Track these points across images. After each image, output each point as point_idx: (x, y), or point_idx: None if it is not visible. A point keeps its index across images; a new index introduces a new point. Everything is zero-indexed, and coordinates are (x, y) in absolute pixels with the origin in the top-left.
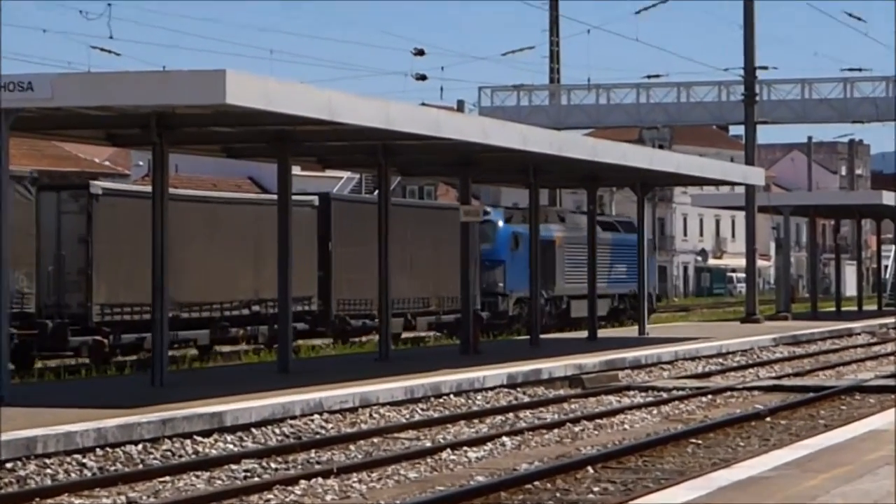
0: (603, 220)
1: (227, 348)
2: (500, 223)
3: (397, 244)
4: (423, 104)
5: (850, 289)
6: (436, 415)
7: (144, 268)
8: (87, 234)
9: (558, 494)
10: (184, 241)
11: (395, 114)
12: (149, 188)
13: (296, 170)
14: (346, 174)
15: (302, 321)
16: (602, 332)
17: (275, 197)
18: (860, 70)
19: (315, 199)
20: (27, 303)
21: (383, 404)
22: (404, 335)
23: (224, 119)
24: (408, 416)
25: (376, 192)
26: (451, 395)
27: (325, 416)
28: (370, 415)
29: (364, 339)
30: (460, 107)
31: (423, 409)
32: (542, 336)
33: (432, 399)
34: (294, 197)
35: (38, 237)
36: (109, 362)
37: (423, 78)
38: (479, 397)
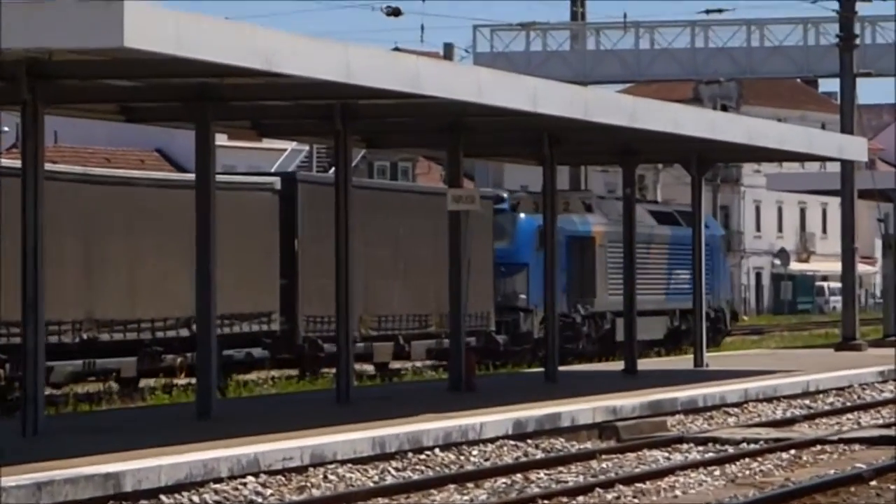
0: (658, 210)
1: (147, 381)
2: (522, 214)
3: (386, 243)
4: (397, 49)
5: None
6: (415, 476)
7: (56, 271)
8: None
9: None
10: (100, 239)
11: (358, 62)
12: (56, 167)
13: (222, 139)
14: (290, 145)
15: (259, 345)
16: (645, 363)
17: (227, 178)
18: None
19: (276, 182)
20: None
21: (343, 462)
22: (395, 364)
23: (121, 69)
24: (376, 477)
25: (332, 170)
26: (437, 450)
27: (263, 477)
28: (325, 476)
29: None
30: (448, 53)
31: (397, 469)
32: (563, 368)
33: (410, 455)
34: (247, 178)
35: None
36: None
37: (396, 13)
38: (474, 452)
